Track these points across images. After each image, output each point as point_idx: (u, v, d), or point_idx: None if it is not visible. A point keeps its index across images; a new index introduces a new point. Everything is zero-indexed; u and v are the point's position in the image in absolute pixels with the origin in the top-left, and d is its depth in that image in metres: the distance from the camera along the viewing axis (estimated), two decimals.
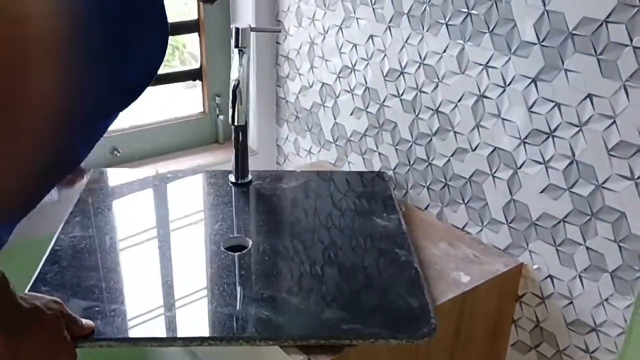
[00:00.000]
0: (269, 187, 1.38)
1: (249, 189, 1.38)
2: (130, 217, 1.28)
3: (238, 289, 1.06)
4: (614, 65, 0.96)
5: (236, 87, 1.22)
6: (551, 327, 1.17)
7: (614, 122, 0.99)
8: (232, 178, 1.38)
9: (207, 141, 1.72)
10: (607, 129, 1.00)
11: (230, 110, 1.23)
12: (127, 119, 1.61)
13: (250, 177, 1.39)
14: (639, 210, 0.99)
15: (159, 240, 1.19)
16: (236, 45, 1.26)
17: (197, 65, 1.66)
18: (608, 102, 0.98)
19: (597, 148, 1.02)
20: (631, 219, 1.00)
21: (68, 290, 1.01)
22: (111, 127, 0.86)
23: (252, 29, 1.28)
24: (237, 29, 1.25)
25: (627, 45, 0.94)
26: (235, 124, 1.24)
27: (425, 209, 1.35)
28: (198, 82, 1.67)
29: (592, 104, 1.00)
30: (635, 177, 0.98)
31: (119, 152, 1.57)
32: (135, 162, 1.61)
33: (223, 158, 1.67)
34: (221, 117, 1.70)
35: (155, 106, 1.67)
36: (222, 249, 1.16)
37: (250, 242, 1.18)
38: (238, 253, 1.15)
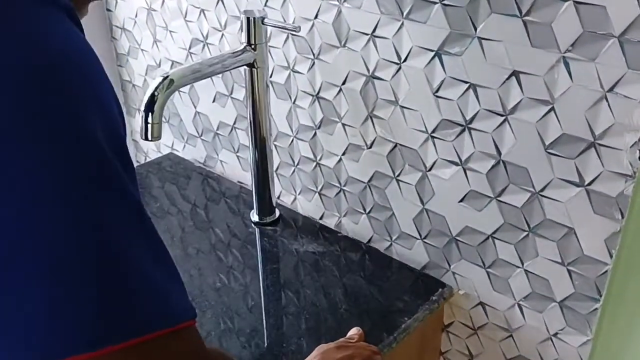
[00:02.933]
0: None
1: None
2: None
3: None
4: (548, 29, 0.66)
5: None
6: None
7: (552, 108, 0.70)
8: None
9: None
10: (543, 119, 0.71)
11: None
12: None
13: None
14: (593, 226, 0.72)
15: None
16: (248, 42, 0.88)
17: None
18: (542, 81, 0.69)
19: (530, 144, 0.73)
20: (583, 236, 0.74)
21: None
22: None
23: (264, 22, 0.87)
24: (247, 20, 0.86)
25: (565, 0, 0.64)
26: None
27: (320, 219, 1.05)
28: None
29: (520, 85, 0.71)
30: (586, 182, 0.71)
31: None
32: None
33: None
34: None
35: None
36: None
37: None
38: None
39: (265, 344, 0.81)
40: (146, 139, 0.78)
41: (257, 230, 1.02)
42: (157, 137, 0.79)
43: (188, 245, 0.99)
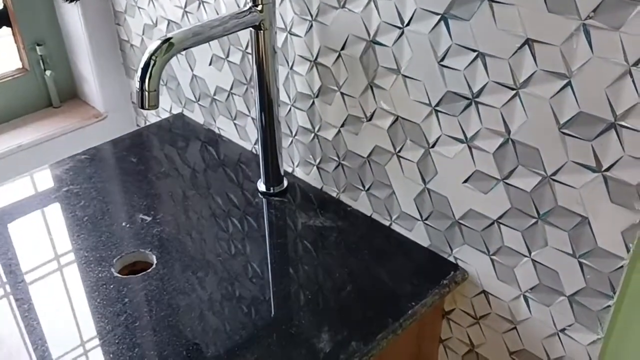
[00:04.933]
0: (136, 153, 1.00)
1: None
2: None
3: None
4: None
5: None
6: (490, 355, 0.86)
7: (569, 83, 0.62)
8: None
9: (37, 106, 1.29)
10: (558, 94, 0.63)
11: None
12: None
13: None
14: (610, 216, 0.65)
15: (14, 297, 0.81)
16: (254, 3, 0.81)
17: None
18: (559, 52, 0.61)
19: (543, 122, 0.65)
20: (597, 227, 0.66)
21: None
22: None
23: None
24: None
25: None
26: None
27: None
28: (6, 30, 1.22)
29: (534, 56, 0.63)
30: (604, 167, 0.63)
31: None
32: None
33: (64, 127, 1.25)
34: (49, 72, 1.26)
35: None
36: (115, 273, 0.82)
37: (155, 259, 0.85)
38: (140, 275, 0.83)
39: (272, 314, 0.77)
40: (142, 107, 0.72)
41: (264, 200, 0.96)
42: (154, 105, 0.73)
43: (189, 209, 0.94)
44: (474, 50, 0.68)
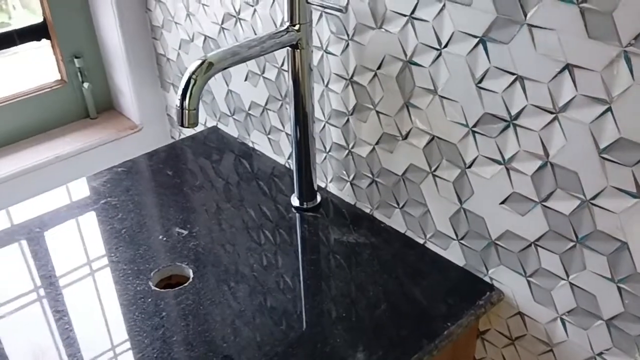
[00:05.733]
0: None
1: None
2: None
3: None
4: (608, 19, 0.58)
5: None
6: None
7: (609, 109, 0.61)
8: None
9: (74, 117, 1.31)
10: (598, 120, 0.63)
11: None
12: None
13: None
14: None
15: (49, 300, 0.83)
16: (291, 22, 0.82)
17: (39, 19, 1.22)
18: (599, 78, 0.61)
19: (582, 147, 0.65)
20: (637, 252, 0.66)
21: None
22: None
23: (309, 1, 0.81)
24: None
25: None
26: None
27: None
28: (45, 42, 1.25)
29: (574, 81, 0.63)
30: None
31: None
32: None
33: (100, 138, 1.28)
34: (86, 84, 1.28)
35: None
36: (153, 287, 0.84)
37: (191, 272, 0.87)
38: (177, 288, 0.85)
39: (306, 331, 0.77)
40: (182, 125, 0.74)
41: (297, 215, 0.97)
42: (193, 123, 0.74)
43: (222, 221, 0.95)
44: (513, 74, 0.67)
